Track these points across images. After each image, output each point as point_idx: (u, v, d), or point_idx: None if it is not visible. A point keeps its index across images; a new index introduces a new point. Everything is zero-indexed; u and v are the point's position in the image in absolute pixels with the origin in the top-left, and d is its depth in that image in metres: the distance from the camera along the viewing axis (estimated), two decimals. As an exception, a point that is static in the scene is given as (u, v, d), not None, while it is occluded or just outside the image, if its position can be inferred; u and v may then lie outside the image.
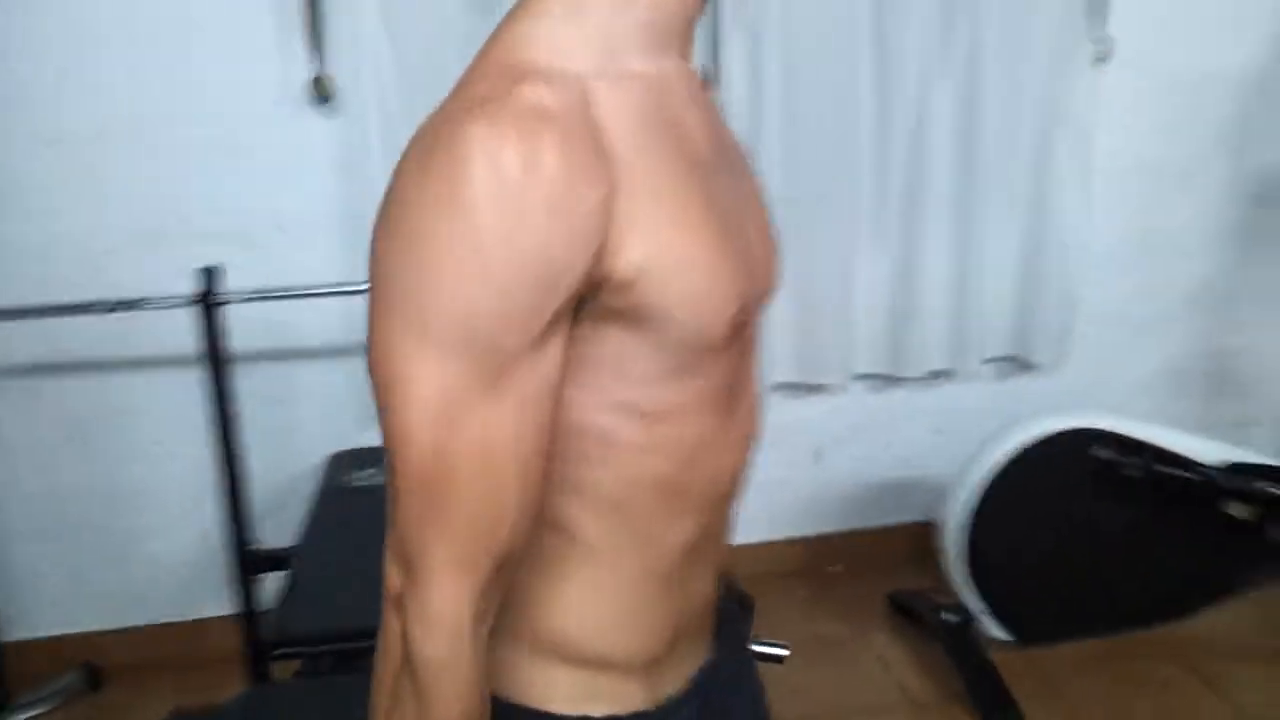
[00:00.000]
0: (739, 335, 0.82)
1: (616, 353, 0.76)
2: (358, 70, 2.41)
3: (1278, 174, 2.98)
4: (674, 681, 0.92)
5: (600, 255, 0.71)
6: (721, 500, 0.90)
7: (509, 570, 0.75)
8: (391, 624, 0.74)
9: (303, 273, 2.49)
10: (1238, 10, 2.84)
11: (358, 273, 2.52)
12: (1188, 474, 2.54)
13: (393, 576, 0.73)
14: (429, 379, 0.68)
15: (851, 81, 2.63)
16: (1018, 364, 2.99)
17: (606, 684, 0.87)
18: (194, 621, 2.74)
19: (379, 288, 0.70)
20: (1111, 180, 2.87)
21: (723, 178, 0.84)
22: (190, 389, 2.41)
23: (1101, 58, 2.77)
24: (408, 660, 0.73)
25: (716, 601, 0.97)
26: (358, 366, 2.63)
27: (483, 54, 0.77)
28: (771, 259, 0.95)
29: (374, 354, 0.70)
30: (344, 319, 2.59)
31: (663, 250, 0.73)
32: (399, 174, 0.70)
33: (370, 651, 0.77)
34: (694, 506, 0.86)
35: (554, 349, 0.72)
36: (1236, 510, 2.62)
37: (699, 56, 2.53)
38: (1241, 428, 3.16)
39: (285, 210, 2.52)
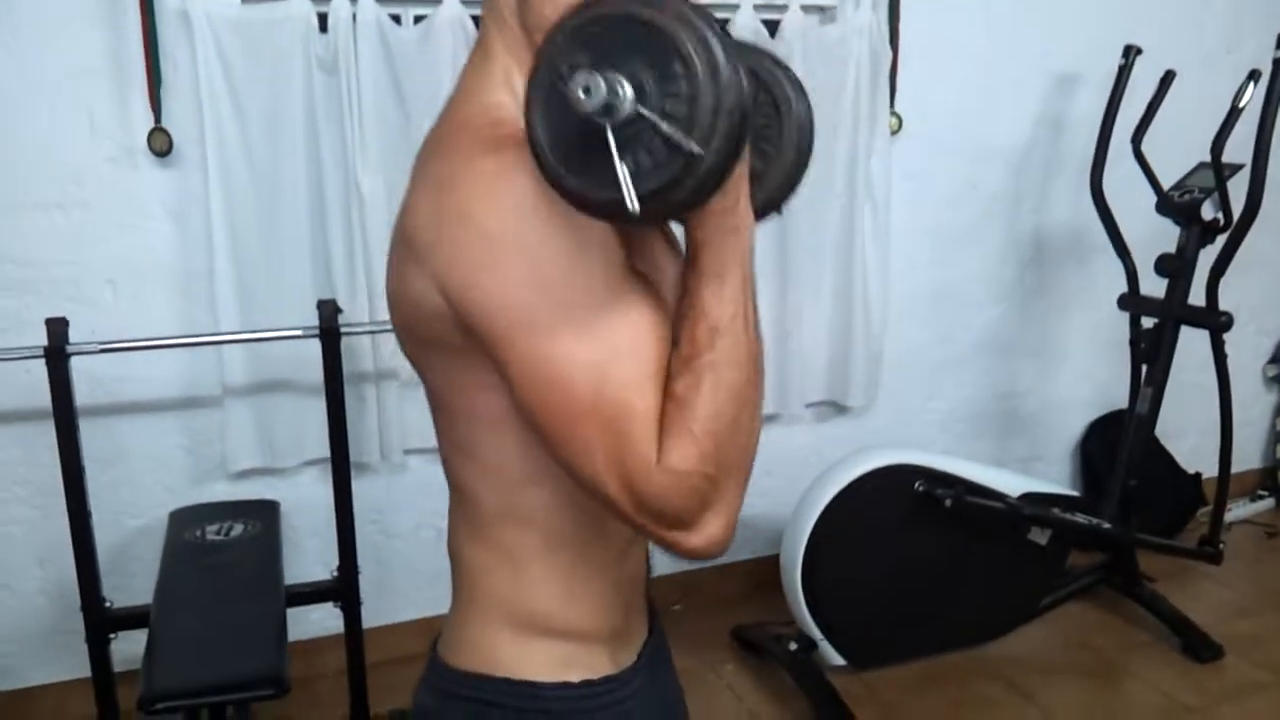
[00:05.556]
0: None
1: None
2: (200, 123, 2.36)
3: (1042, 238, 3.37)
4: (629, 651, 1.02)
5: None
6: None
7: None
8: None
9: (136, 326, 2.39)
10: (1006, 94, 3.21)
11: (195, 324, 2.46)
12: (994, 503, 2.79)
13: (619, 499, 0.81)
14: (568, 350, 0.79)
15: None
16: (835, 408, 3.21)
17: (580, 654, 0.96)
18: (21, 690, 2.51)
19: (508, 301, 0.80)
20: (905, 241, 3.15)
21: None
22: (18, 446, 2.29)
23: (894, 131, 3.06)
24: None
25: (646, 581, 1.08)
26: (193, 420, 2.54)
27: (455, 112, 0.90)
28: None
29: (535, 369, 0.80)
30: (182, 371, 2.50)
31: None
32: (452, 215, 0.81)
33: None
34: None
35: (640, 293, 0.84)
36: (1036, 535, 2.89)
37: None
38: (1029, 462, 3.49)
39: (118, 263, 2.42)
